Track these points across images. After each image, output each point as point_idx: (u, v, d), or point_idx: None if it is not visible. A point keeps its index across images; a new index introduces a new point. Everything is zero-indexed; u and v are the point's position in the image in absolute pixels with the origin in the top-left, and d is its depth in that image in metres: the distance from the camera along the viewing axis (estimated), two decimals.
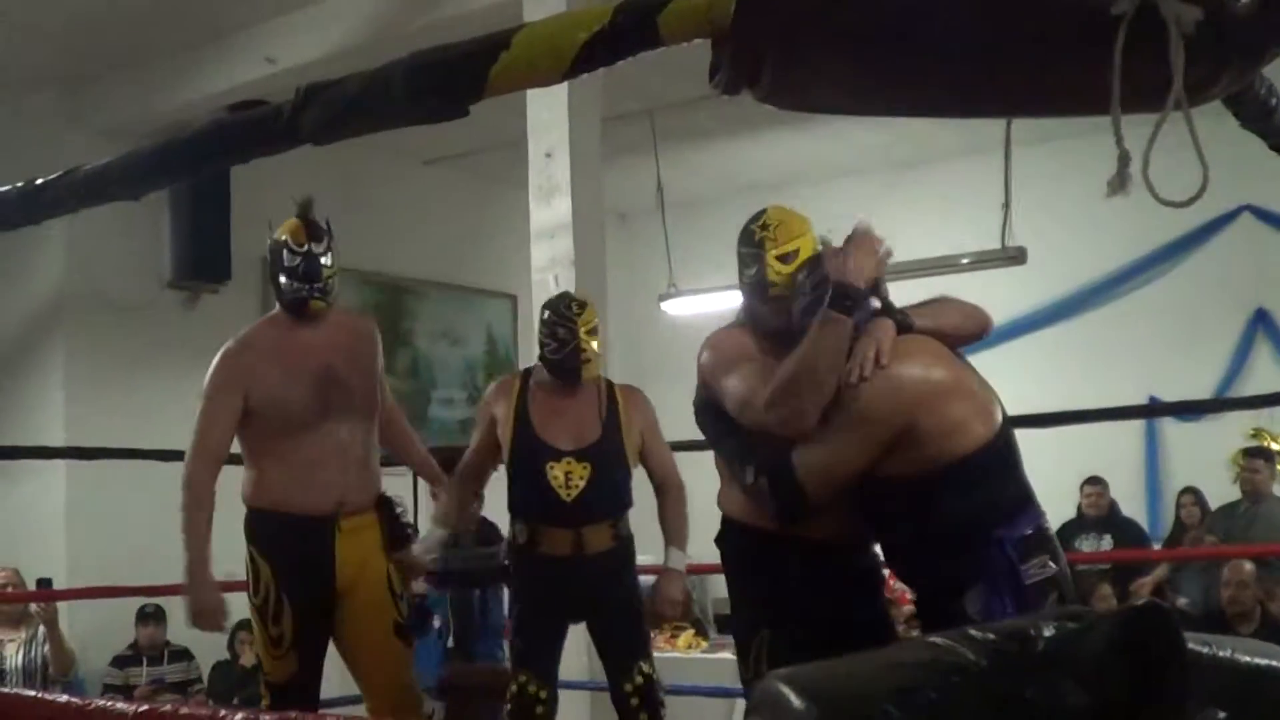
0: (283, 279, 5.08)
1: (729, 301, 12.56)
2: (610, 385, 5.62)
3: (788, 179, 12.55)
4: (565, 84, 7.36)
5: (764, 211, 4.25)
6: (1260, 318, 11.57)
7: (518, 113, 7.71)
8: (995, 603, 3.58)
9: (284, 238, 5.10)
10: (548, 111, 7.21)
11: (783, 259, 4.09)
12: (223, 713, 1.86)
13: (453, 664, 6.38)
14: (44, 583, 7.71)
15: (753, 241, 4.16)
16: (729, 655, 9.90)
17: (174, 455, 7.02)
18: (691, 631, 10.76)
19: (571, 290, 6.15)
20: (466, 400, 12.37)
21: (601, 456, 5.37)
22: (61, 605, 8.23)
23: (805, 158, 12.23)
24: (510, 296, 12.53)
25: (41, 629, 7.98)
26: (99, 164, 2.36)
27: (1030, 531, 3.69)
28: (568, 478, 5.31)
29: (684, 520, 5.59)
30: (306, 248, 5.06)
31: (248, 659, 8.69)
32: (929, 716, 1.15)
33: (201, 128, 2.30)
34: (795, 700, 1.20)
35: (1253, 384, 11.20)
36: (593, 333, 5.44)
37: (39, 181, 2.43)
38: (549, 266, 7.11)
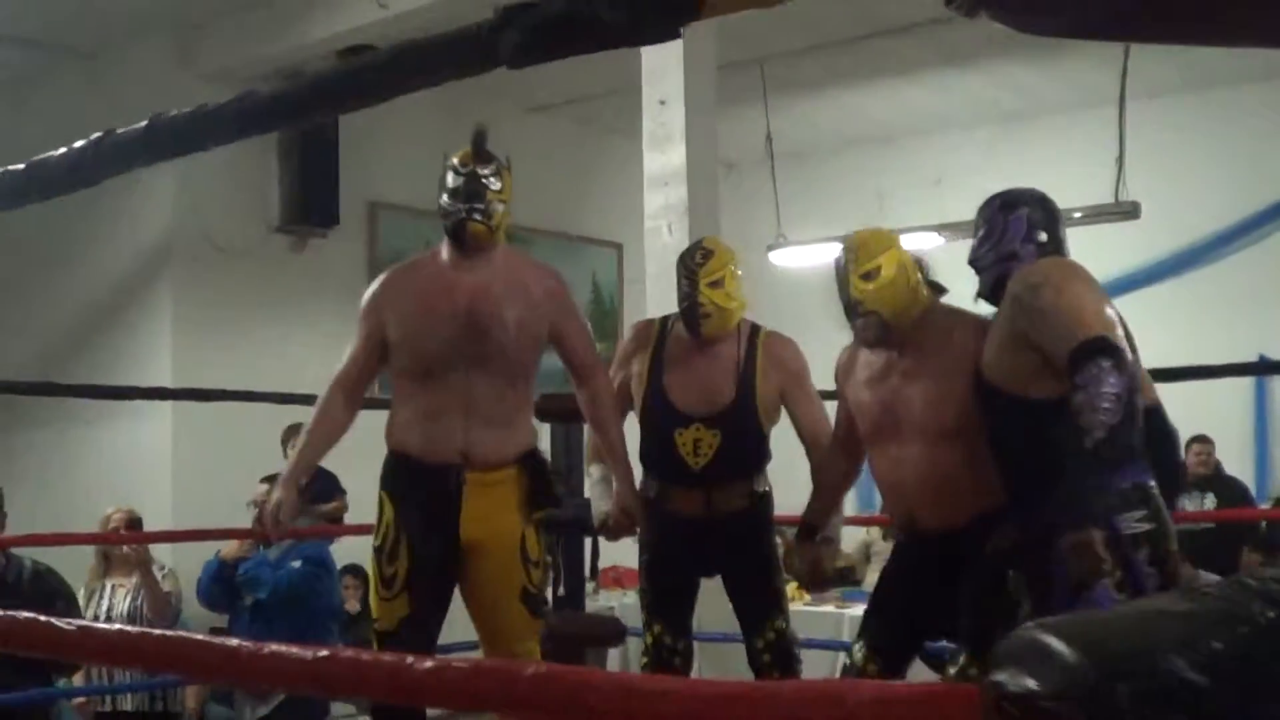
0: (444, 199, 4.80)
1: (835, 254, 12.65)
2: (755, 336, 5.35)
3: (896, 131, 12.48)
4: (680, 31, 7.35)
5: (849, 236, 4.67)
6: None
7: (626, 60, 7.64)
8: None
9: (451, 160, 4.86)
10: (662, 58, 7.17)
11: (865, 277, 4.49)
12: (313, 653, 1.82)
13: (561, 613, 6.33)
14: (135, 524, 7.66)
15: (838, 268, 4.59)
16: (832, 608, 9.94)
17: (280, 398, 7.12)
18: (794, 585, 10.72)
19: (687, 238, 6.10)
20: None
21: (732, 423, 5.18)
22: (166, 548, 8.29)
23: (914, 109, 12.11)
24: (615, 245, 12.49)
25: None
26: (256, 94, 2.28)
27: (1129, 485, 3.72)
28: (696, 445, 5.16)
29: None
30: (471, 168, 4.78)
31: (351, 605, 8.73)
32: (1217, 670, 1.08)
33: (387, 53, 2.21)
34: (1067, 652, 1.13)
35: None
36: (716, 285, 5.19)
37: (166, 116, 2.37)
38: (661, 214, 7.07)
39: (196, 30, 9.47)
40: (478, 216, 4.73)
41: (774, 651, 5.26)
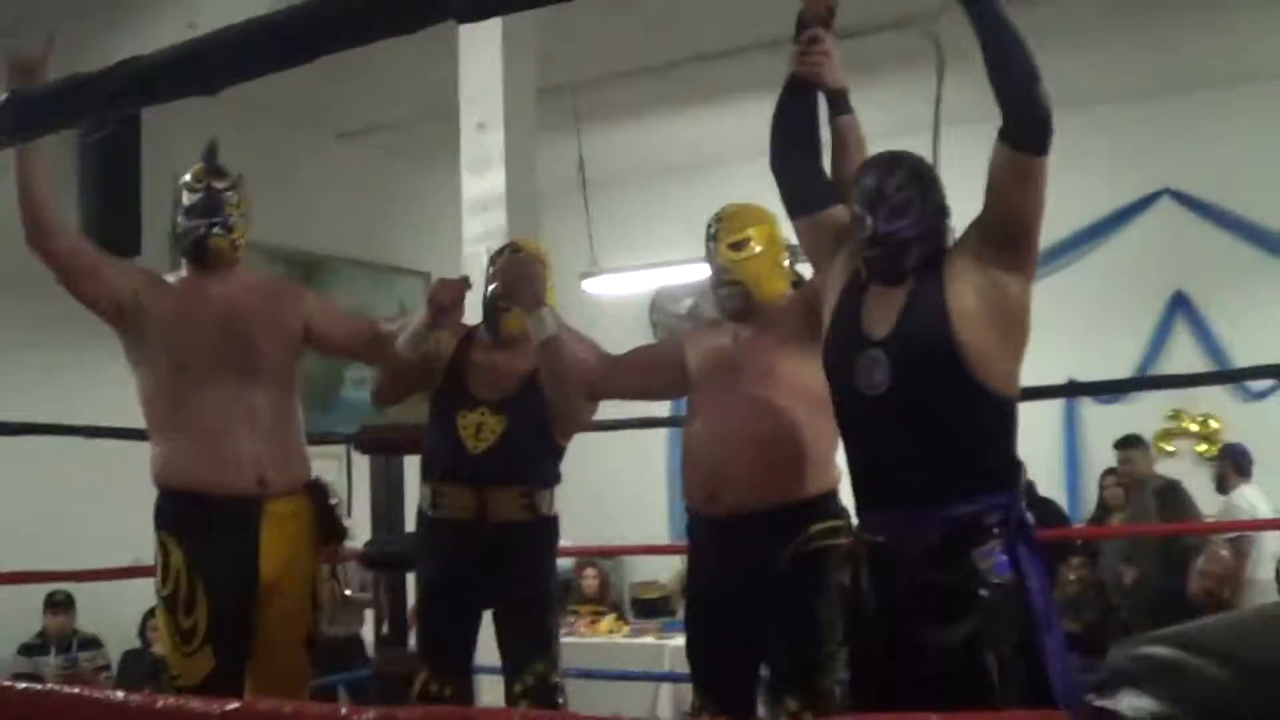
0: (180, 220, 4.58)
1: (649, 281, 12.71)
2: None
3: (708, 159, 12.45)
4: (499, 54, 7.29)
5: (723, 206, 4.54)
6: (1179, 300, 11.69)
7: (437, 87, 7.52)
8: (1012, 556, 3.45)
9: (184, 179, 4.62)
10: (481, 81, 7.05)
11: (734, 247, 4.38)
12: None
13: (386, 651, 6.14)
14: None
15: (709, 234, 4.45)
16: (650, 640, 9.87)
17: (84, 431, 6.81)
18: (612, 616, 10.63)
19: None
20: None
21: (520, 410, 4.76)
22: None
23: (726, 137, 12.07)
24: (423, 274, 12.31)
25: None
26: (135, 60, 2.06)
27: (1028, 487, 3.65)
28: (478, 430, 4.75)
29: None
30: (205, 183, 4.57)
31: (159, 648, 8.46)
32: None
33: (310, 4, 2.01)
34: (1206, 666, 1.02)
35: (1171, 366, 11.28)
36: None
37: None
38: (481, 239, 6.92)
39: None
40: (218, 230, 4.57)
41: (531, 698, 4.72)
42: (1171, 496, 9.89)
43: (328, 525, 4.69)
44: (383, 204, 12.16)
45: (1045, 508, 10.24)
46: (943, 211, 3.70)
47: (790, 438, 4.21)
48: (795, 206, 3.96)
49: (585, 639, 9.86)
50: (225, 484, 4.44)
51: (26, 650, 8.85)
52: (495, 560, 4.74)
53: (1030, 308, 3.58)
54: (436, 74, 7.42)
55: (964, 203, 10.45)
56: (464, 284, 4.75)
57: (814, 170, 4.01)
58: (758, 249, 4.37)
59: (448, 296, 4.68)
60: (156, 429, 4.54)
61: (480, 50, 6.98)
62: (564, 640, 5.04)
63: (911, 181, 3.69)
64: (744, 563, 4.20)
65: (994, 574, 3.42)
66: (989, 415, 3.53)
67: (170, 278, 4.65)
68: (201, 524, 4.46)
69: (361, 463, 6.60)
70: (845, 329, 3.70)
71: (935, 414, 3.52)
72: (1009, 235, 3.56)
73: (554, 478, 4.92)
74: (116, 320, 4.55)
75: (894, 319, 3.59)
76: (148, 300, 4.51)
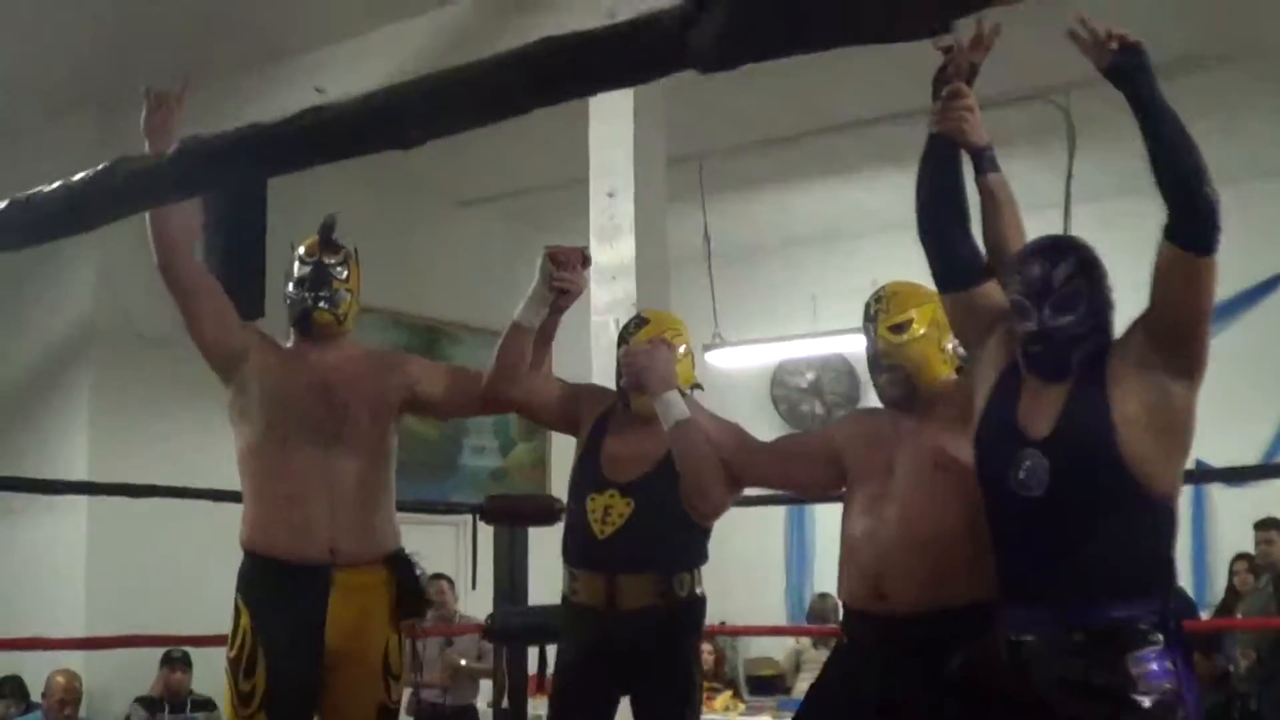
0: (289, 288, 4.64)
1: (772, 354, 12.63)
2: None
3: (832, 231, 12.38)
4: (630, 122, 7.24)
5: (882, 286, 4.28)
6: None
7: (564, 155, 7.48)
8: (1170, 665, 3.36)
9: (298, 251, 4.70)
10: (611, 150, 6.99)
11: (894, 329, 4.13)
12: None
13: None
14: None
15: (867, 315, 4.21)
16: (767, 718, 9.72)
17: (199, 494, 6.80)
18: (729, 693, 10.48)
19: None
20: (498, 449, 12.14)
21: (649, 492, 4.55)
22: (78, 655, 8.01)
23: (852, 209, 12.02)
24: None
25: None
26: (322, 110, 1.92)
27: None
28: (605, 513, 4.55)
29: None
30: (318, 257, 4.64)
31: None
32: None
33: (532, 52, 1.76)
34: None
35: None
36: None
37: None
38: (609, 309, 6.83)
39: (120, 110, 9.21)
40: (323, 304, 4.60)
41: None
42: None
43: (408, 599, 4.62)
44: (506, 271, 12.12)
45: (1176, 597, 10.03)
46: (1109, 305, 3.56)
47: (959, 538, 3.91)
48: (948, 280, 3.79)
49: (703, 715, 9.71)
50: (297, 550, 4.44)
51: (145, 703, 8.87)
52: (630, 648, 4.54)
53: (1195, 412, 3.45)
54: (564, 142, 7.38)
55: None
56: (581, 252, 4.67)
57: (966, 240, 3.81)
58: (921, 331, 4.11)
59: (565, 255, 4.61)
60: (246, 490, 4.58)
61: (611, 118, 6.91)
62: None
63: (1081, 272, 3.53)
64: (911, 667, 3.91)
65: (1148, 681, 3.32)
66: (1149, 521, 3.43)
67: (283, 343, 4.70)
68: (272, 588, 4.48)
69: (485, 532, 6.51)
70: (999, 423, 3.58)
71: (1095, 520, 3.41)
72: (1176, 338, 3.43)
73: (696, 559, 4.68)
74: (225, 372, 4.60)
75: (1054, 419, 3.47)
76: (255, 359, 4.56)
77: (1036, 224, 10.97)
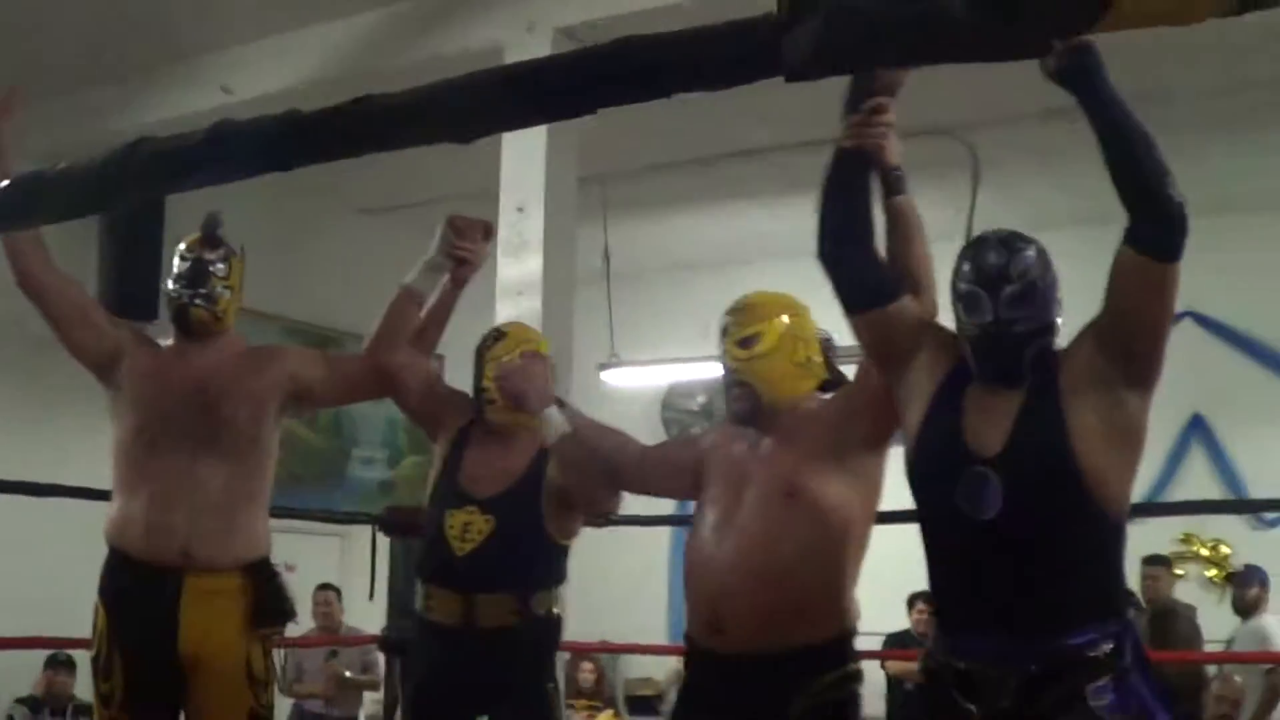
0: (168, 285, 4.57)
1: (667, 375, 12.63)
2: None
3: (731, 257, 12.40)
4: (544, 139, 7.21)
5: (742, 297, 4.14)
6: (1196, 424, 11.64)
7: (471, 168, 7.46)
8: (1131, 692, 3.18)
9: (179, 247, 4.64)
10: (522, 165, 6.98)
11: (741, 344, 3.96)
12: None
13: None
14: None
15: (722, 329, 4.07)
16: None
17: (92, 494, 6.69)
18: (610, 712, 10.48)
19: None
20: (387, 460, 12.05)
21: (509, 511, 4.48)
22: None
23: (752, 236, 12.04)
24: (438, 356, 12.20)
25: None
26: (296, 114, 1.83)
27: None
28: (465, 530, 4.46)
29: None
30: (197, 254, 4.55)
31: None
32: None
33: (619, 48, 1.66)
34: None
35: (1185, 488, 11.18)
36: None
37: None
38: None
39: (30, 104, 9.07)
40: (200, 302, 4.53)
41: None
42: (1165, 623, 9.67)
43: (265, 607, 4.52)
44: (398, 280, 12.10)
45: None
46: (1059, 309, 3.39)
47: (805, 572, 3.74)
48: (857, 300, 3.56)
49: None
50: (151, 551, 4.39)
51: (29, 704, 8.80)
52: (487, 668, 4.46)
53: (1147, 423, 3.32)
54: (472, 154, 7.35)
55: None
56: (485, 224, 4.68)
57: (875, 259, 3.62)
58: (769, 345, 3.91)
59: (467, 224, 4.63)
60: (114, 488, 4.53)
61: (524, 133, 6.91)
62: None
63: (1039, 265, 3.35)
64: (746, 711, 3.77)
65: (1109, 714, 3.13)
66: (1105, 540, 3.28)
67: (163, 341, 4.64)
68: (125, 590, 4.44)
69: (383, 545, 6.47)
70: (942, 440, 3.36)
71: (1052, 542, 3.22)
72: (1133, 347, 3.28)
73: (554, 578, 4.61)
74: (100, 373, 4.57)
75: (1006, 433, 3.26)
76: (129, 360, 4.52)
77: (937, 256, 11.19)
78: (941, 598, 3.44)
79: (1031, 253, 3.36)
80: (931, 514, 3.43)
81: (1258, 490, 10.94)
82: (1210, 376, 11.37)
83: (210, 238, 4.59)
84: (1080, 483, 3.19)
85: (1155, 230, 3.21)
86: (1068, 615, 3.21)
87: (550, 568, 4.60)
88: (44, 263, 4.48)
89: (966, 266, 3.40)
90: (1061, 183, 10.42)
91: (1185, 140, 9.79)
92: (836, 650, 3.83)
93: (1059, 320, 3.39)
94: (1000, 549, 3.23)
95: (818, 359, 3.99)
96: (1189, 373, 11.25)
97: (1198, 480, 11.27)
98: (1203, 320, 11.44)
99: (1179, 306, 10.41)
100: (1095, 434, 3.22)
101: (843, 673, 3.81)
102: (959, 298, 3.41)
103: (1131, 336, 3.28)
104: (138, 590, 4.39)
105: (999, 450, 3.25)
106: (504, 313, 6.93)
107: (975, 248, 3.44)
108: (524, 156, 6.90)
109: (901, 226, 3.77)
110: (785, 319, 3.97)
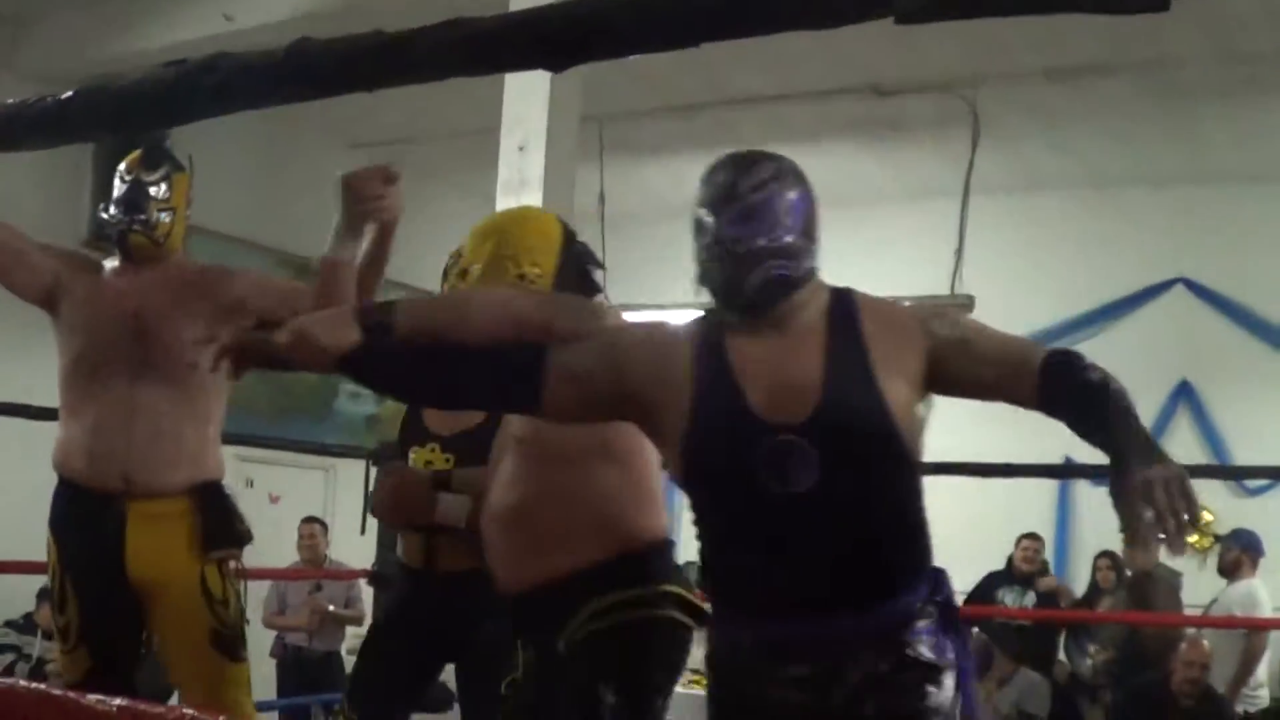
0: (110, 210, 4.38)
1: (662, 319, 12.53)
2: None
3: None
4: (548, 77, 7.15)
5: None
6: (1183, 389, 11.64)
7: (465, 104, 7.40)
8: (944, 641, 2.91)
9: (119, 168, 4.43)
10: (524, 103, 6.92)
11: (461, 277, 3.73)
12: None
13: None
14: None
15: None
16: None
17: (33, 411, 6.62)
18: None
19: None
20: (374, 395, 12.00)
21: (471, 448, 4.18)
22: None
23: None
24: (427, 291, 12.19)
25: None
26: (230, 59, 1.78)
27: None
28: (426, 467, 4.26)
29: None
30: (135, 175, 4.36)
31: None
32: None
33: None
34: None
35: (1170, 453, 11.14)
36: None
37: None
38: None
39: (19, 28, 9.02)
40: (137, 227, 4.35)
41: None
42: (1142, 588, 9.71)
43: (214, 530, 4.40)
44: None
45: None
46: (811, 232, 2.97)
47: (545, 510, 3.49)
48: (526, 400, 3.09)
49: None
50: (93, 479, 4.33)
51: (16, 626, 8.88)
52: (447, 614, 4.26)
53: None
54: (472, 91, 7.32)
55: (987, 272, 10.41)
56: (384, 170, 4.07)
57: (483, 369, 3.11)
58: (477, 274, 3.63)
59: (362, 183, 3.71)
60: (60, 416, 4.46)
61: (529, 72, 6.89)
62: None
63: (775, 182, 2.94)
64: (539, 647, 3.58)
65: (923, 652, 2.87)
66: (916, 489, 2.96)
67: (108, 263, 4.50)
68: (72, 519, 4.39)
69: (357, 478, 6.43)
70: (722, 411, 2.92)
71: (879, 506, 2.90)
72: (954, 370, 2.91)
73: None
74: (43, 305, 4.44)
75: (815, 394, 2.85)
76: (67, 288, 4.40)
77: (931, 213, 11.12)
78: (738, 583, 2.99)
79: (767, 168, 2.95)
80: (725, 492, 2.94)
81: (1242, 458, 10.98)
82: (1199, 343, 11.46)
83: (150, 156, 4.42)
84: (896, 437, 2.84)
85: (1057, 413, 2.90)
86: (896, 580, 2.91)
87: None
88: None
89: (698, 192, 2.99)
90: (1060, 144, 10.43)
91: (1180, 108, 9.89)
92: (615, 572, 3.47)
93: (812, 247, 2.96)
94: (818, 523, 2.85)
95: (538, 269, 3.61)
96: (1177, 339, 11.33)
97: (1184, 446, 11.24)
98: (1193, 286, 11.48)
99: (1171, 272, 10.45)
100: (904, 384, 2.87)
101: (630, 595, 3.46)
102: (692, 229, 3.00)
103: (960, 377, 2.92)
104: (83, 518, 4.35)
105: (809, 415, 2.83)
106: None
107: (708, 171, 3.01)
108: (527, 94, 6.83)
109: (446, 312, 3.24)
110: (493, 242, 3.67)
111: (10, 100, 2.02)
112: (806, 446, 2.81)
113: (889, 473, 2.89)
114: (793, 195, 2.94)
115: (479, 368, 3.07)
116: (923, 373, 2.89)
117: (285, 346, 3.08)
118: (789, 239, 2.90)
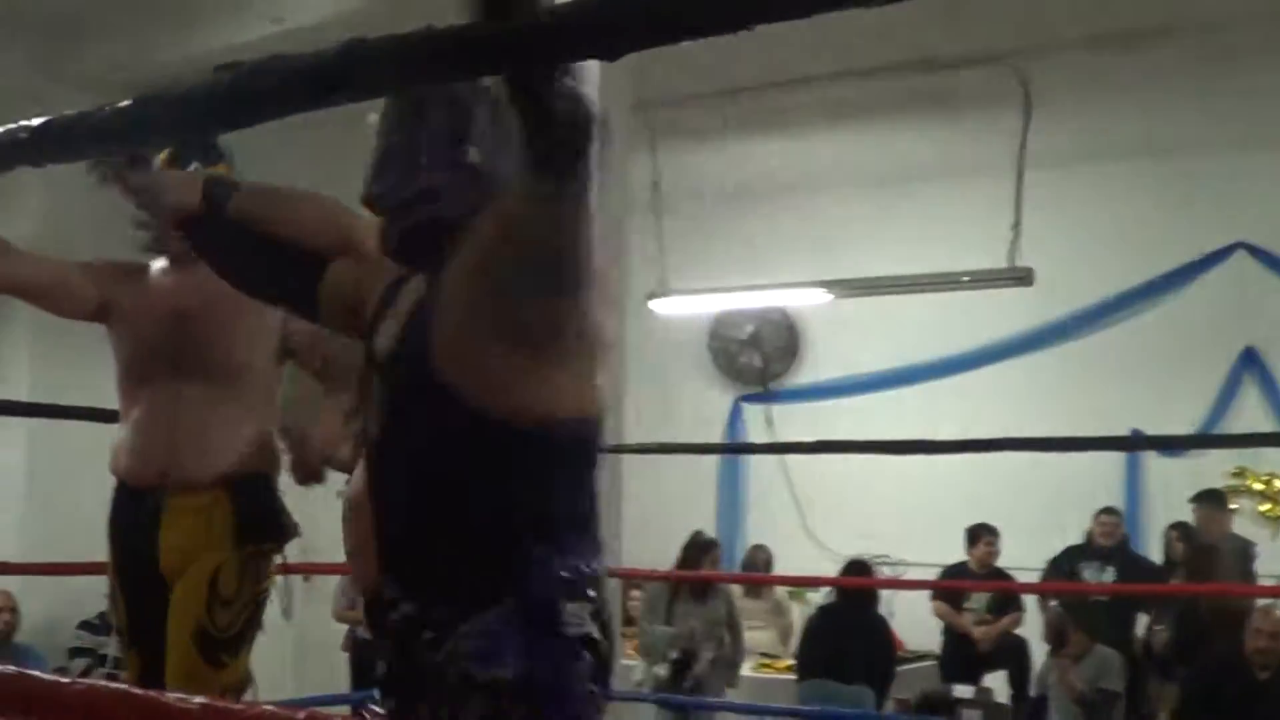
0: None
1: (719, 304, 12.60)
2: None
3: (782, 185, 12.34)
4: (595, 63, 7.07)
5: None
6: (1249, 356, 11.49)
7: None
8: (511, 640, 2.51)
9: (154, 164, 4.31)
10: None
11: None
12: None
13: None
14: None
15: None
16: None
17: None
18: None
19: None
20: None
21: None
22: (15, 580, 7.96)
23: (802, 165, 11.98)
24: None
25: None
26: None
27: (589, 569, 2.61)
28: None
29: None
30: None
31: None
32: None
33: None
34: None
35: (1238, 423, 11.11)
36: None
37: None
38: None
39: (68, 35, 9.06)
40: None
41: None
42: (1203, 560, 9.63)
43: (255, 522, 4.36)
44: None
45: (1135, 562, 10.33)
46: (454, 164, 2.64)
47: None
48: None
49: (633, 661, 9.69)
50: (134, 476, 4.35)
51: (89, 627, 8.97)
52: None
53: (586, 323, 2.61)
54: None
55: (1045, 245, 10.33)
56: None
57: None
58: None
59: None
60: (121, 417, 4.48)
61: None
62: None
63: (397, 124, 2.67)
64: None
65: (468, 660, 2.51)
66: (514, 459, 2.59)
67: (155, 264, 4.51)
68: (118, 517, 4.41)
69: None
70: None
71: (430, 464, 2.64)
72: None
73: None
74: (96, 321, 4.48)
75: (398, 330, 2.68)
76: (113, 302, 4.42)
77: (987, 188, 11.03)
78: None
79: (394, 106, 2.69)
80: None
81: None
82: (1263, 309, 11.29)
83: (183, 153, 4.27)
84: (448, 392, 2.56)
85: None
86: (450, 554, 2.63)
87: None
88: (12, 261, 4.38)
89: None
90: (1113, 113, 10.34)
91: (1234, 71, 9.78)
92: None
93: (474, 170, 2.63)
94: (385, 475, 2.73)
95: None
96: (1240, 305, 11.21)
97: (1251, 413, 11.17)
98: (1254, 251, 11.31)
99: (1232, 238, 10.35)
100: (470, 331, 2.57)
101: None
102: None
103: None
104: (126, 515, 4.38)
105: (390, 351, 2.68)
106: None
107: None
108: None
109: None
110: None
111: (66, 111, 2.02)
112: (380, 387, 2.69)
113: (438, 428, 2.62)
114: (421, 134, 2.64)
115: (281, 262, 3.02)
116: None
117: (136, 191, 3.31)
118: (430, 178, 2.63)
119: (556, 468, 2.61)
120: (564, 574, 2.56)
